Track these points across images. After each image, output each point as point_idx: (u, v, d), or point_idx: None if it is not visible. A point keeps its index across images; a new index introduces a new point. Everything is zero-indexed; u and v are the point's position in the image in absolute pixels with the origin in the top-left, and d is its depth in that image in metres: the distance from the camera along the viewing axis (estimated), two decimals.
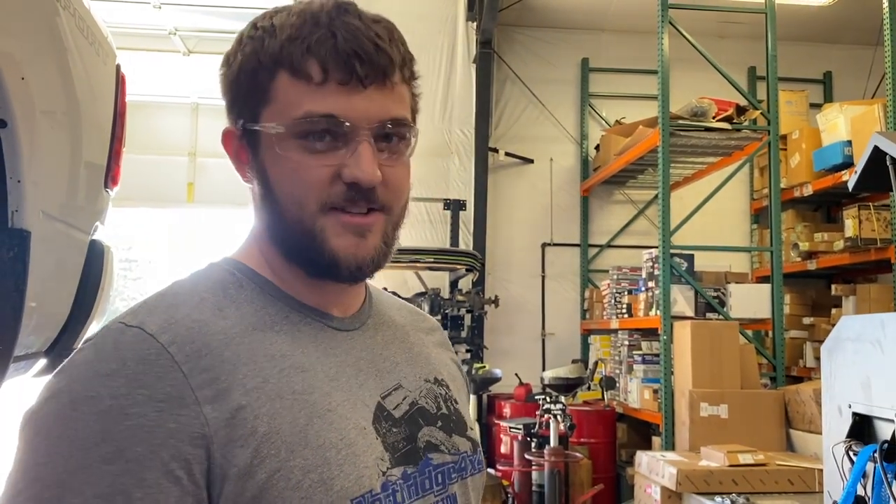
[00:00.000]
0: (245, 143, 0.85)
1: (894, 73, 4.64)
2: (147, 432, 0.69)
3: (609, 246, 6.57)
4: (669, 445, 4.43)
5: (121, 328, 0.75)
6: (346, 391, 0.82)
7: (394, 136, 0.83)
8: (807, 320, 5.86)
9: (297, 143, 0.80)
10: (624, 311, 5.52)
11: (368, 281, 1.00)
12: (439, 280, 6.01)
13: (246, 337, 0.79)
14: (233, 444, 0.72)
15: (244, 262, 0.87)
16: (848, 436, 2.08)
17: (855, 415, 2.08)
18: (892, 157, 2.17)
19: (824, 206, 6.39)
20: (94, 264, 2.06)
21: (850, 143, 5.05)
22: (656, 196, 5.41)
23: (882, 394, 1.97)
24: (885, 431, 1.96)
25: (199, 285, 0.84)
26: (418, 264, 5.37)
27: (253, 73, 0.82)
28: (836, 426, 2.16)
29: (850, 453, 2.03)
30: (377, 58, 0.80)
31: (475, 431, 0.96)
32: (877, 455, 1.93)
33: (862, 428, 2.07)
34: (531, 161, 6.55)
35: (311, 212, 0.81)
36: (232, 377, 0.75)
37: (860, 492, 1.99)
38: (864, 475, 1.99)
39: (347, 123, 0.79)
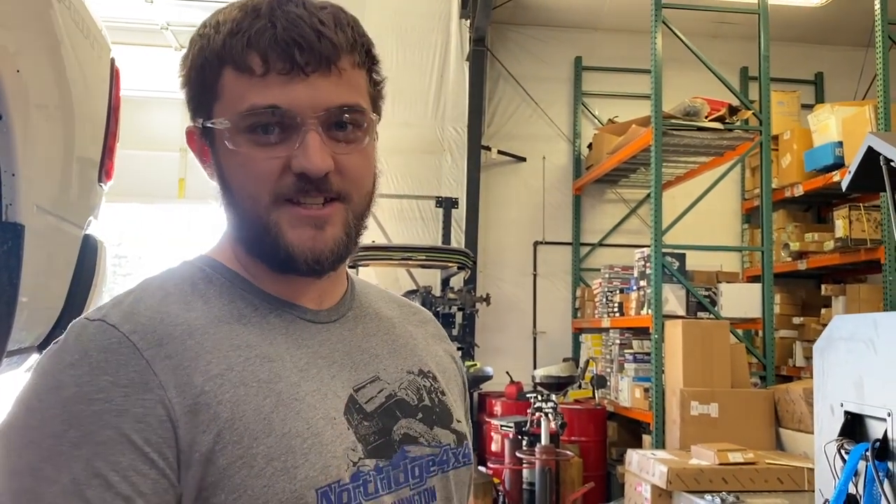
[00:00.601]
0: (205, 140, 0.85)
1: (885, 74, 4.66)
2: (114, 416, 0.69)
3: (601, 245, 6.59)
4: (660, 444, 4.44)
5: (84, 323, 0.76)
6: (317, 382, 0.81)
7: (347, 123, 0.81)
8: (796, 320, 5.90)
9: (245, 137, 0.80)
10: (615, 309, 5.53)
11: (358, 275, 0.99)
12: (431, 278, 6.01)
13: (211, 328, 0.79)
14: (196, 430, 0.72)
15: (216, 258, 0.87)
16: (840, 434, 2.09)
17: (847, 413, 2.10)
18: (885, 158, 2.19)
19: (815, 207, 6.43)
20: (87, 259, 2.05)
21: (841, 143, 5.07)
22: (648, 195, 5.42)
23: (874, 393, 1.99)
24: (876, 430, 1.97)
25: (168, 282, 0.83)
26: (410, 262, 5.37)
27: (201, 71, 0.82)
28: (828, 425, 2.17)
29: (842, 452, 2.05)
30: (319, 44, 0.78)
31: (463, 424, 0.95)
32: (868, 454, 1.94)
33: (854, 427, 2.08)
34: (524, 159, 6.56)
35: (264, 205, 0.80)
36: (194, 364, 0.75)
37: (852, 490, 2.00)
38: (856, 474, 2.00)
39: (292, 113, 0.78)
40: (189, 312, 0.79)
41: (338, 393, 0.82)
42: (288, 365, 0.80)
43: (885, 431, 1.93)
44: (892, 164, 2.13)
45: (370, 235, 5.53)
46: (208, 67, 0.81)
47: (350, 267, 0.96)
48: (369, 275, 5.71)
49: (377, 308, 0.97)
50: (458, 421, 0.94)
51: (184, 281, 0.84)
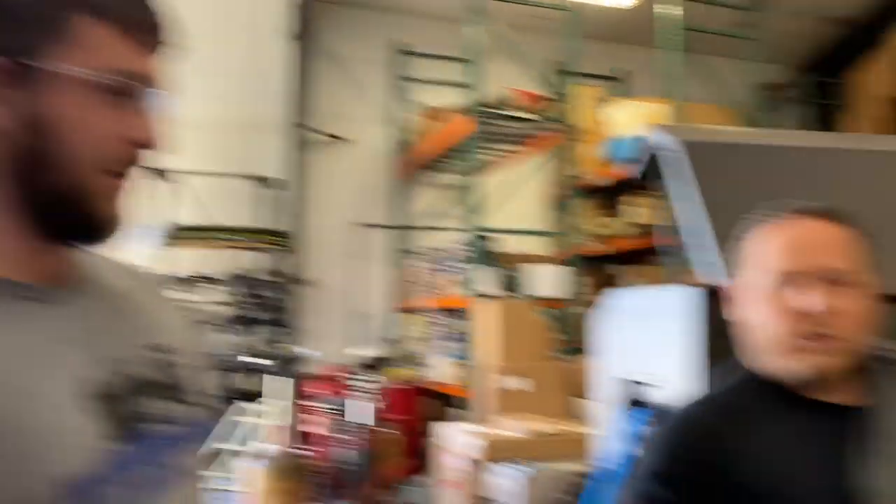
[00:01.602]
0: (4, 76, 0.75)
1: (682, 75, 5.14)
2: None
3: (421, 228, 6.73)
4: (472, 418, 4.65)
5: None
6: (49, 369, 0.75)
7: (154, 100, 0.84)
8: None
9: (94, 95, 0.76)
10: (434, 290, 5.69)
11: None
12: (251, 260, 5.87)
13: None
14: None
15: None
16: (623, 402, 2.29)
17: (625, 382, 2.30)
18: (661, 147, 2.40)
19: (613, 195, 6.91)
20: None
21: (639, 138, 5.51)
22: (466, 180, 5.61)
23: (650, 361, 2.19)
24: (654, 397, 2.17)
25: None
26: (228, 243, 5.23)
27: (40, 2, 0.76)
28: (610, 394, 2.38)
29: (625, 419, 2.25)
30: (163, 23, 0.83)
31: (201, 396, 0.92)
32: (649, 420, 2.14)
33: (633, 395, 2.29)
34: (346, 141, 6.55)
35: (89, 169, 0.77)
36: None
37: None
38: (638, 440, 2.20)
39: (143, 85, 0.79)
40: None
41: (76, 377, 0.76)
42: (14, 354, 0.73)
43: (659, 399, 2.14)
44: (665, 153, 2.34)
45: (189, 215, 5.28)
46: (56, 3, 0.76)
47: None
48: (187, 257, 5.46)
49: (109, 280, 0.90)
50: (196, 393, 0.91)
51: None
